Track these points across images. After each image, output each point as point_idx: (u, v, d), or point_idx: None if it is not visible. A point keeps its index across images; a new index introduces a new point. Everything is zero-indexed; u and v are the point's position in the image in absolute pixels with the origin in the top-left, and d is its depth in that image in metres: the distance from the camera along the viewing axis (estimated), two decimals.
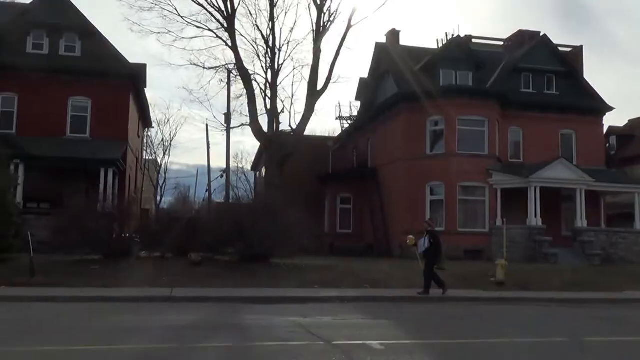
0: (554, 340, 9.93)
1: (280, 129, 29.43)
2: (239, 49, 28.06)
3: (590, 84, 34.30)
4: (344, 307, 13.96)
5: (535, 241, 27.26)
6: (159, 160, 52.66)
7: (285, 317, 11.63)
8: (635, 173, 41.04)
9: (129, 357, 7.88)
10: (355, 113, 40.14)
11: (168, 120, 58.50)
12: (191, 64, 29.93)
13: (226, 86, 28.76)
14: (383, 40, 37.16)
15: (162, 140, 56.76)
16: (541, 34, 35.13)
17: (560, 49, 34.61)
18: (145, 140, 44.02)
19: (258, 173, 48.52)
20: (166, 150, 48.29)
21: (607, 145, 42.47)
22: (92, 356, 7.89)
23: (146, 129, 42.31)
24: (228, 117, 28.63)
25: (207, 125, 31.66)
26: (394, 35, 36.84)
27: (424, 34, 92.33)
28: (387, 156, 32.66)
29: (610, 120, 63.39)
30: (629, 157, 43.81)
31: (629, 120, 50.15)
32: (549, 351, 9.01)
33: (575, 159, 31.31)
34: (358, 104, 40.14)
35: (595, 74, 75.38)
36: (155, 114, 47.52)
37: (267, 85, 29.05)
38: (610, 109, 33.47)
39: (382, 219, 32.16)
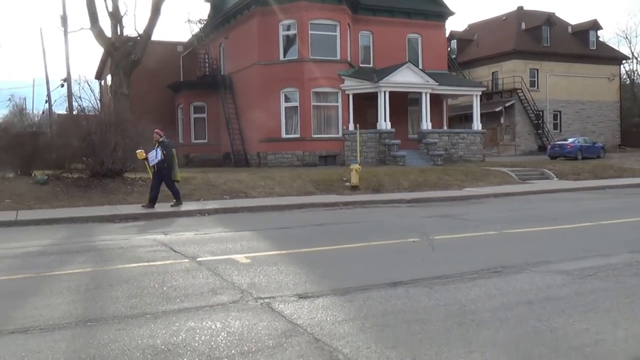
0: (407, 240, 10.59)
1: (124, 33, 27.47)
2: None
3: None
4: (204, 220, 13.90)
5: (385, 144, 28.58)
6: None
7: (145, 235, 11.36)
8: (474, 76, 43.99)
9: None
10: (205, 16, 38.36)
11: None
12: None
13: None
14: None
15: None
16: None
17: None
18: None
19: (103, 82, 45.40)
20: None
21: (449, 49, 44.76)
22: None
23: None
24: (64, 19, 26.19)
25: (40, 29, 28.70)
26: None
27: None
28: (241, 62, 31.94)
29: (451, 25, 65.97)
30: (468, 61, 46.72)
31: (468, 25, 53.00)
32: (409, 248, 9.61)
33: (420, 63, 32.66)
34: (208, 6, 38.30)
35: None
36: None
37: None
38: (452, 13, 34.79)
39: (238, 127, 31.86)
